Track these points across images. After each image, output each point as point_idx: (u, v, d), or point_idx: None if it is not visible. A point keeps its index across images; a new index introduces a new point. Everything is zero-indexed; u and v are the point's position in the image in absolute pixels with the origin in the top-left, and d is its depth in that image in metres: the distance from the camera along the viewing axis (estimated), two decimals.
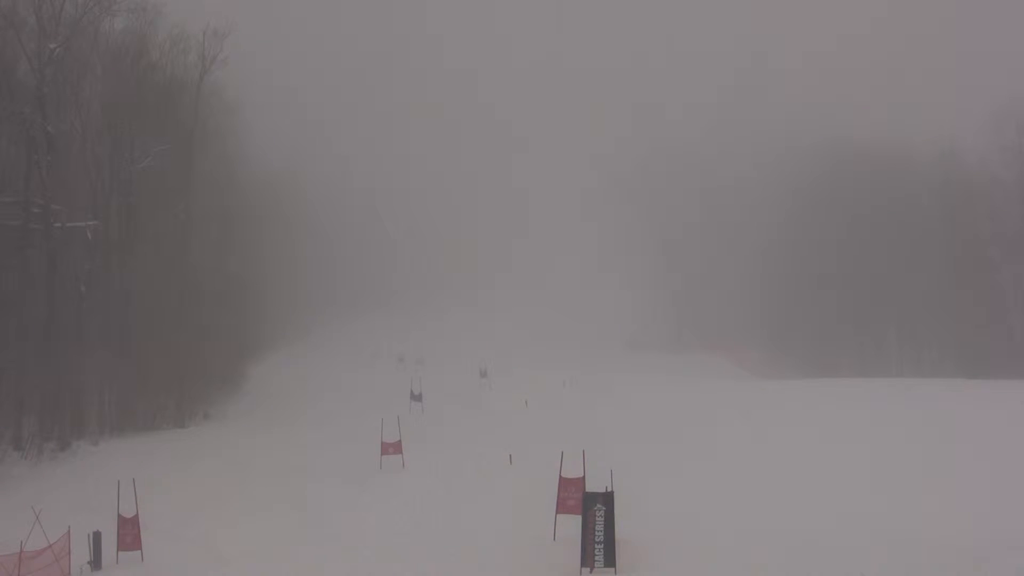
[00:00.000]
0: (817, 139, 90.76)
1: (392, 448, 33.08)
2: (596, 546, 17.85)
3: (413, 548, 21.35)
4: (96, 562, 21.36)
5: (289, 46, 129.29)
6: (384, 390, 57.79)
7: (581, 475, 20.91)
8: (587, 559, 17.92)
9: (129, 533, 21.83)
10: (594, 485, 19.70)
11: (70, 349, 38.95)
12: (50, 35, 39.32)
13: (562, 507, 20.80)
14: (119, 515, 22.21)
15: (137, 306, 45.16)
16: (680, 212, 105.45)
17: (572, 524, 19.66)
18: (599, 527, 17.88)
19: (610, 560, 17.79)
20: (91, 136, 44.16)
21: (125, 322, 43.90)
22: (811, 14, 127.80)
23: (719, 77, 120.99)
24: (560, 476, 21.12)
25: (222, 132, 55.12)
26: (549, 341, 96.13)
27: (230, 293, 54.96)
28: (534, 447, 32.66)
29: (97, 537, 21.54)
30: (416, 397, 49.66)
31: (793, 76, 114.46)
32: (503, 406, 48.32)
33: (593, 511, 17.97)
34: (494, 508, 25.37)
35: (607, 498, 18.09)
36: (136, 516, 22.06)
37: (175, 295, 47.84)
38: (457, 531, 22.98)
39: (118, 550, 21.74)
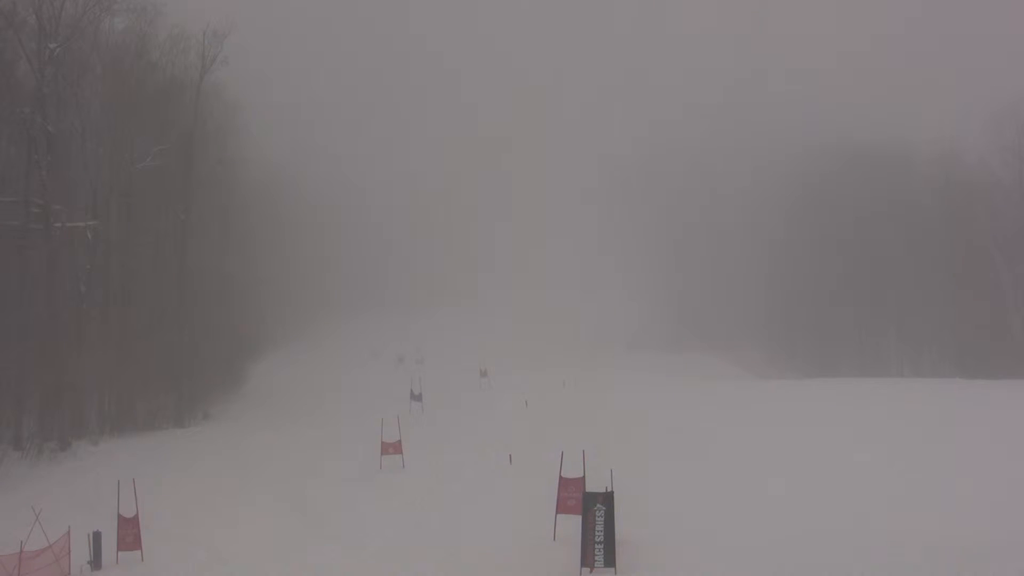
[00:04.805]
0: (818, 140, 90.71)
1: (392, 448, 33.10)
2: (596, 546, 17.85)
3: (413, 548, 21.35)
4: (96, 562, 21.35)
5: (289, 46, 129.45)
6: (384, 390, 57.79)
7: (581, 475, 20.91)
8: (587, 559, 17.92)
9: (129, 533, 21.84)
10: (594, 485, 19.70)
11: (70, 349, 38.91)
12: (50, 35, 39.28)
13: (562, 507, 20.81)
14: (119, 515, 22.22)
15: (137, 306, 45.13)
16: (681, 212, 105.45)
17: (572, 524, 19.66)
18: (599, 527, 17.87)
19: (610, 560, 17.79)
20: (91, 136, 44.09)
21: (125, 322, 43.85)
22: (810, 17, 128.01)
23: (720, 78, 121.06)
24: (560, 476, 21.12)
25: (222, 132, 55.10)
26: (549, 341, 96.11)
27: (230, 293, 54.97)
28: (534, 447, 32.67)
29: (97, 537, 21.54)
30: (416, 397, 49.67)
31: (794, 78, 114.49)
32: (503, 406, 48.29)
33: (593, 511, 17.97)
34: (494, 508, 25.38)
35: (607, 498, 18.09)
36: (136, 516, 22.07)
37: (175, 295, 47.82)
38: (457, 531, 22.98)
39: (118, 550, 21.74)
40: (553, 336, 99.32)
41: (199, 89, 50.66)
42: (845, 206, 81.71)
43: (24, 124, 38.75)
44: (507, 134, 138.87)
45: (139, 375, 43.65)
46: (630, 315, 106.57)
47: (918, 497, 23.71)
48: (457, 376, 65.69)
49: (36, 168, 38.69)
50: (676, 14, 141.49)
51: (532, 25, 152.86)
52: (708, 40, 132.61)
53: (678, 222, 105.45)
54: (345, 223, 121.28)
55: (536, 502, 23.66)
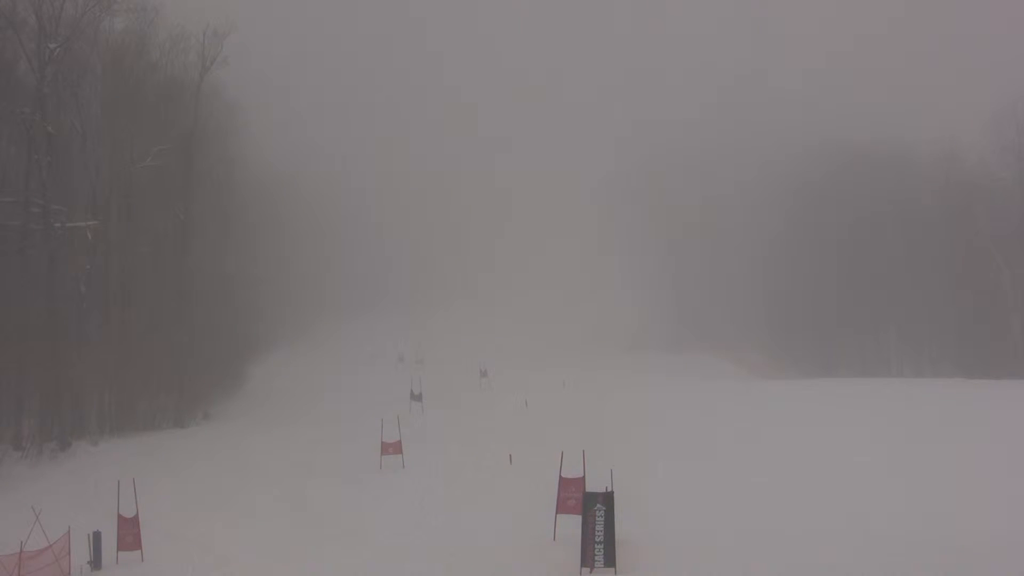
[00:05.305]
0: (818, 140, 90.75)
1: (392, 448, 33.11)
2: (596, 546, 17.85)
3: (413, 548, 21.35)
4: (96, 562, 21.36)
5: (289, 46, 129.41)
6: (384, 390, 57.78)
7: (581, 475, 20.91)
8: (587, 559, 17.91)
9: (129, 533, 21.84)
10: (594, 485, 19.70)
11: (70, 349, 38.91)
12: (50, 35, 39.29)
13: (562, 507, 20.81)
14: (119, 515, 22.22)
15: (137, 306, 45.13)
16: (681, 212, 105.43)
17: (572, 524, 19.66)
18: (599, 527, 17.87)
19: (610, 560, 17.79)
20: (91, 136, 44.10)
21: (125, 322, 43.85)
22: (809, 17, 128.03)
23: (720, 78, 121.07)
24: (560, 476, 21.12)
25: (222, 132, 55.09)
26: (549, 341, 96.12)
27: (230, 293, 54.98)
28: (534, 447, 32.67)
29: (97, 537, 21.55)
30: (416, 397, 49.70)
31: (793, 77, 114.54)
32: (503, 406, 48.31)
33: (593, 511, 17.96)
34: (494, 508, 25.39)
35: (607, 498, 18.09)
36: (136, 516, 22.07)
37: (175, 295, 47.81)
38: (457, 531, 22.98)
39: (118, 550, 21.75)
40: (553, 336, 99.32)
41: (199, 89, 50.66)
42: (845, 206, 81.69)
43: (24, 124, 38.76)
44: (507, 134, 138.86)
45: (139, 375, 43.67)
46: (630, 315, 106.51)
47: (918, 497, 23.71)
48: (457, 376, 65.68)
49: (36, 168, 38.70)
50: (676, 14, 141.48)
51: (532, 24, 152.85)
52: (708, 40, 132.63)
53: (678, 222, 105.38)
54: (345, 223, 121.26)
55: (536, 502, 23.67)
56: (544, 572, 18.60)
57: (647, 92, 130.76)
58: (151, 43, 48.67)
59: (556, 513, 20.92)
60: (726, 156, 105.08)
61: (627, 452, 30.26)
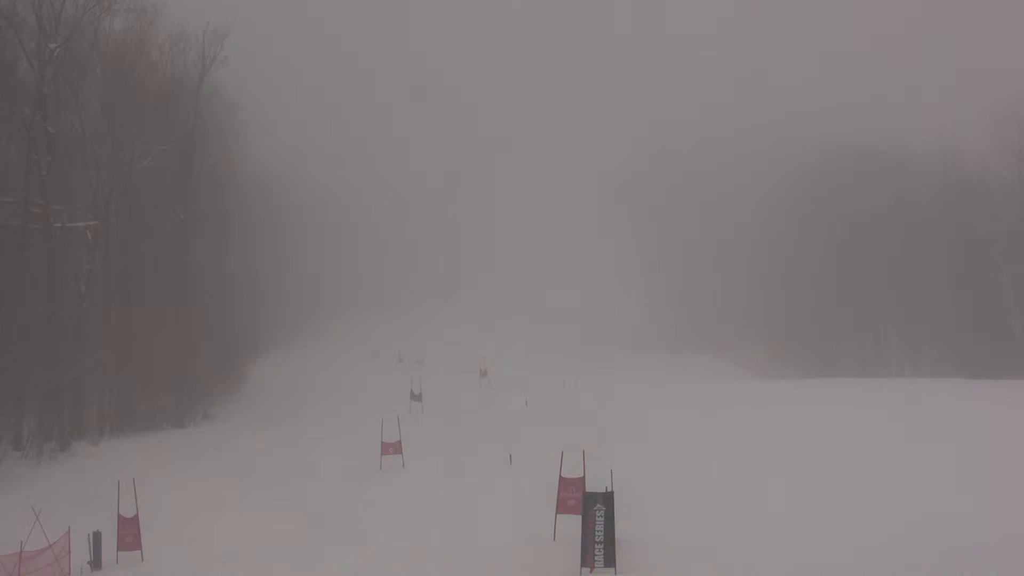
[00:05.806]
0: (818, 140, 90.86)
1: (392, 448, 33.14)
2: (596, 546, 17.86)
3: (413, 548, 21.36)
4: (96, 562, 21.37)
5: (289, 46, 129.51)
6: (384, 390, 57.78)
7: (581, 475, 20.92)
8: (587, 559, 17.92)
9: (129, 533, 21.86)
10: (594, 485, 19.71)
11: (70, 349, 38.89)
12: (50, 35, 39.24)
13: (562, 507, 20.82)
14: (119, 515, 22.23)
15: (137, 306, 45.08)
16: (681, 212, 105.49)
17: (572, 524, 19.67)
18: (599, 527, 17.88)
19: (610, 560, 17.80)
20: (91, 136, 44.05)
21: (125, 322, 43.80)
22: (810, 17, 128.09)
23: (720, 78, 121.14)
24: (560, 476, 21.13)
25: (222, 132, 55.05)
26: (549, 341, 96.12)
27: (230, 293, 54.93)
28: (534, 447, 32.66)
29: (97, 537, 21.56)
30: (416, 397, 49.75)
31: (794, 78, 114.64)
32: (503, 406, 48.29)
33: (593, 511, 17.97)
34: (494, 508, 25.39)
35: (607, 498, 18.10)
36: (136, 516, 22.09)
37: (175, 295, 47.77)
38: (457, 531, 22.99)
39: (118, 550, 21.76)
40: (553, 336, 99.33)
41: (199, 89, 50.61)
42: (845, 206, 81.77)
43: (24, 124, 38.74)
44: (507, 134, 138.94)
45: (139, 375, 43.59)
46: (630, 315, 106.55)
47: (918, 497, 23.71)
48: (457, 376, 65.68)
49: (36, 168, 38.65)
50: (676, 15, 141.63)
51: (532, 26, 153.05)
52: (708, 41, 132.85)
53: (678, 222, 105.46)
54: (344, 223, 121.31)
55: (536, 502, 23.67)
56: (544, 572, 18.61)
57: (647, 92, 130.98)
58: (151, 43, 48.60)
59: (556, 513, 20.93)
60: (726, 156, 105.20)
61: (627, 452, 30.27)
